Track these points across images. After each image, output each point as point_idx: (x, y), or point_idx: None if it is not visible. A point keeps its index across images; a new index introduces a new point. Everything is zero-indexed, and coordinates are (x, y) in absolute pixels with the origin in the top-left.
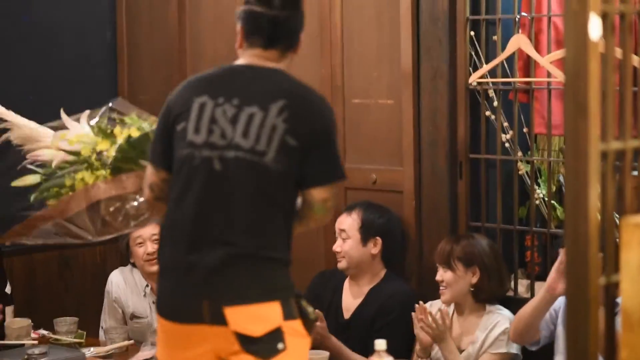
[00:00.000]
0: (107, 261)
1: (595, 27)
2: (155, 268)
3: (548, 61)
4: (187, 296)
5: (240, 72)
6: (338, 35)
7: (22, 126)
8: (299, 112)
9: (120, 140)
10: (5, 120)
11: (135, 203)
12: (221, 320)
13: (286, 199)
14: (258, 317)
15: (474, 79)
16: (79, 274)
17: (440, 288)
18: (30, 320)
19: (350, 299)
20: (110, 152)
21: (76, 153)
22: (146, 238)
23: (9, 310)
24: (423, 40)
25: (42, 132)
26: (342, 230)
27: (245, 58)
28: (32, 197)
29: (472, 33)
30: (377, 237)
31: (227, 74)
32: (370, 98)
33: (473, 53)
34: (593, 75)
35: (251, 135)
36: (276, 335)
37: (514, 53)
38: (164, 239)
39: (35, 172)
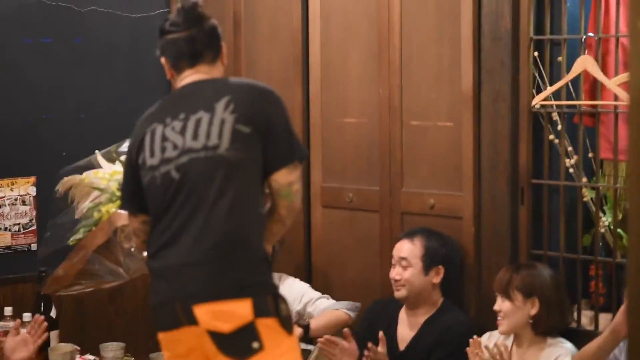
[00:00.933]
0: None
1: None
2: None
3: (615, 84)
4: (165, 301)
5: (181, 92)
6: (397, 56)
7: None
8: (245, 101)
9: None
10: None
11: None
12: (193, 320)
13: (253, 189)
14: (225, 313)
15: (537, 101)
16: (129, 298)
17: (498, 318)
18: (74, 346)
19: (406, 330)
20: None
21: (105, 190)
22: None
23: (54, 335)
24: (484, 61)
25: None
26: (403, 258)
27: (180, 82)
28: (70, 241)
29: (536, 54)
30: (440, 266)
31: (169, 99)
32: (429, 120)
33: (536, 74)
34: None
35: (201, 136)
36: (249, 332)
37: (579, 75)
38: (151, 261)
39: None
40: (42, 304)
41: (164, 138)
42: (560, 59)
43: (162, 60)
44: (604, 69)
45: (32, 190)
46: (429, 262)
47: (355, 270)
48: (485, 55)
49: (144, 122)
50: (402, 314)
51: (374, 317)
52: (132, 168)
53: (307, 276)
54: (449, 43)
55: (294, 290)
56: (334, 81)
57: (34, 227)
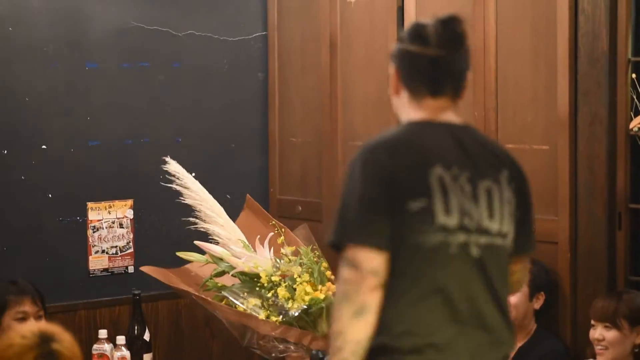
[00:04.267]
0: None
1: None
2: None
3: None
4: None
5: (445, 133)
6: (492, 78)
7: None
8: (520, 182)
9: (301, 304)
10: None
11: (292, 348)
12: None
13: None
14: None
15: (634, 124)
16: None
17: (598, 347)
18: None
19: None
20: (291, 305)
21: (255, 275)
22: None
23: (148, 357)
24: (581, 84)
25: (214, 206)
26: None
27: (420, 110)
28: (206, 282)
29: (634, 75)
30: (542, 292)
31: (436, 137)
32: (525, 143)
33: (634, 97)
34: None
35: (496, 216)
36: None
37: None
38: (421, 335)
39: (202, 255)
40: (136, 327)
41: (459, 200)
42: None
43: (392, 69)
44: None
45: (130, 213)
46: (534, 288)
47: None
48: (582, 77)
49: (419, 156)
50: None
51: None
52: (391, 203)
53: None
54: (544, 65)
55: None
56: None
57: (131, 250)
